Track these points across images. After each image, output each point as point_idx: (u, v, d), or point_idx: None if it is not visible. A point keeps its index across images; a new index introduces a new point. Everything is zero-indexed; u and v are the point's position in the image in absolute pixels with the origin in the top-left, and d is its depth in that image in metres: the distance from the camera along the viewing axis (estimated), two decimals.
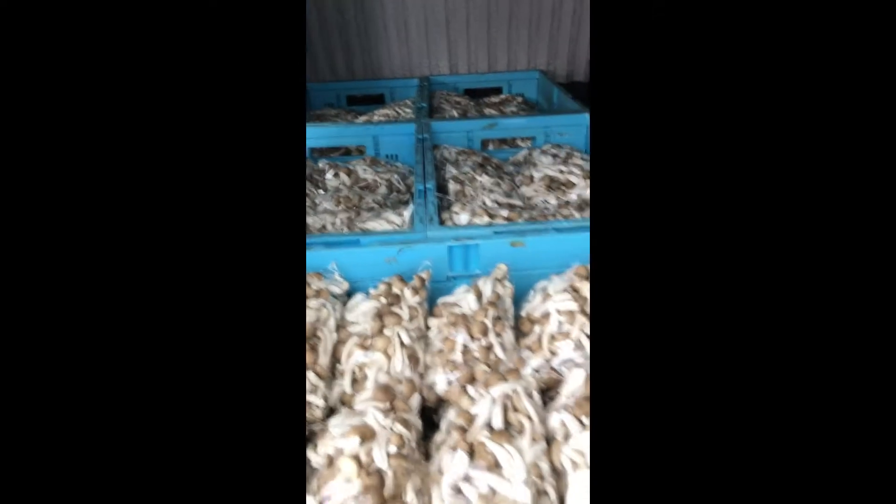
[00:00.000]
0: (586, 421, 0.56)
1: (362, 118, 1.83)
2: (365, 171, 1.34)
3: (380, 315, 0.72)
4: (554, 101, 1.85)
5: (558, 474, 0.54)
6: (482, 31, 2.19)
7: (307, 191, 1.30)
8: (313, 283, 0.77)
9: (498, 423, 0.56)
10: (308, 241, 0.85)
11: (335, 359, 0.71)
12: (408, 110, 1.83)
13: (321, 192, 1.30)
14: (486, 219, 0.95)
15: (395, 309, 0.74)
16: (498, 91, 2.19)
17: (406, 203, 1.31)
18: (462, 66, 2.27)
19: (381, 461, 0.52)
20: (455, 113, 1.81)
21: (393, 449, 0.53)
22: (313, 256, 0.82)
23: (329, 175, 1.36)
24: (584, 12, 2.18)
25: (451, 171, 1.25)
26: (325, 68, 2.24)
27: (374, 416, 0.57)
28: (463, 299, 0.75)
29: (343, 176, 1.34)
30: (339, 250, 0.82)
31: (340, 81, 2.24)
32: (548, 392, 0.67)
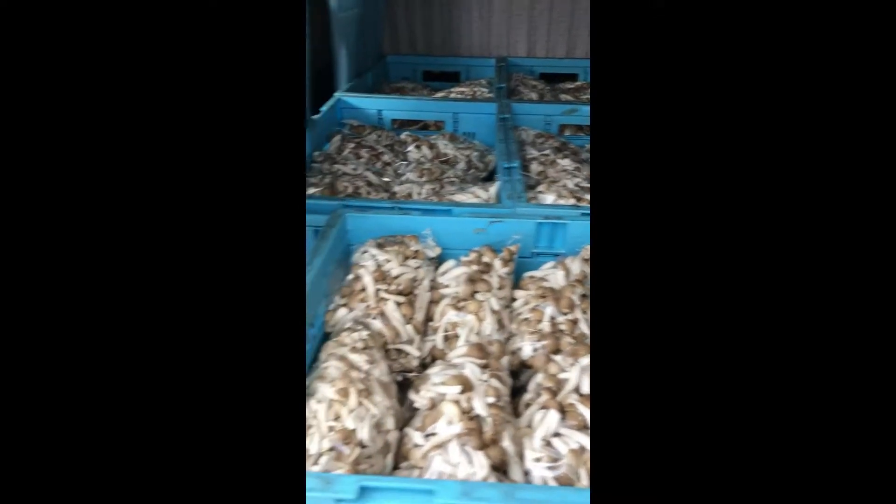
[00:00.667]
0: None
1: (439, 94, 1.86)
2: (446, 146, 1.38)
3: (472, 280, 0.77)
4: None
5: None
6: (564, 16, 2.17)
7: (389, 160, 1.36)
8: (412, 245, 0.82)
9: (586, 388, 0.60)
10: (406, 206, 0.91)
11: (428, 316, 0.77)
12: (483, 90, 1.86)
13: (403, 163, 1.36)
14: (571, 201, 0.98)
15: (486, 277, 0.78)
16: (573, 77, 2.18)
17: (483, 180, 1.35)
18: (540, 50, 2.26)
19: (480, 409, 0.57)
20: (533, 96, 1.82)
21: (490, 399, 0.58)
22: (410, 221, 0.87)
23: (411, 147, 1.41)
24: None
25: (531, 151, 1.28)
26: (405, 42, 2.28)
27: (472, 370, 0.62)
28: (551, 274, 0.79)
29: (425, 149, 1.39)
30: (433, 217, 0.87)
31: (418, 55, 2.28)
32: None
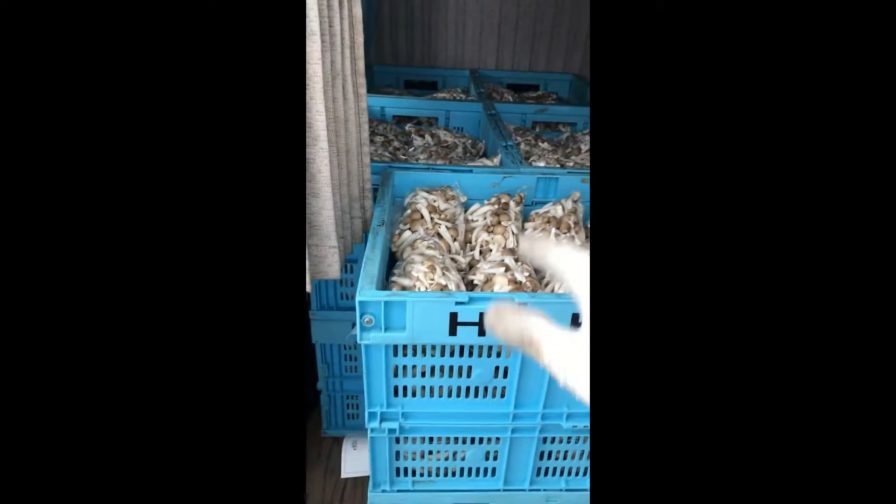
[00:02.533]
0: None
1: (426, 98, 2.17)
2: (445, 135, 1.68)
3: (496, 214, 1.07)
4: (587, 98, 2.20)
5: None
6: (528, 36, 2.55)
7: (398, 145, 1.64)
8: (448, 191, 1.11)
9: None
10: (438, 167, 1.19)
11: (465, 240, 1.05)
12: (461, 95, 2.18)
13: (410, 148, 1.64)
14: (558, 166, 1.30)
15: (506, 212, 1.08)
16: (535, 88, 2.55)
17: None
18: (507, 63, 2.62)
19: (521, 277, 0.86)
20: (510, 98, 2.15)
21: (526, 273, 0.88)
22: (442, 177, 1.16)
23: (415, 136, 1.70)
24: None
25: (517, 138, 1.60)
26: (389, 54, 2.58)
27: (509, 259, 0.91)
28: (552, 209, 1.09)
29: (428, 138, 1.68)
30: (459, 174, 1.16)
31: (401, 66, 2.58)
32: None
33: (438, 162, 1.45)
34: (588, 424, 0.83)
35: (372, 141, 1.61)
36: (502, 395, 0.81)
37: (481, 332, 0.72)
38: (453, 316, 0.70)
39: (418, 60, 2.62)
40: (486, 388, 0.80)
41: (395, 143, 1.65)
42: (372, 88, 2.34)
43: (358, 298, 0.69)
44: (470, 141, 1.71)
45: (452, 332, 0.71)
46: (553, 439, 0.86)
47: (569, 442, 0.87)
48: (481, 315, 0.71)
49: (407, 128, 1.75)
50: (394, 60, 2.61)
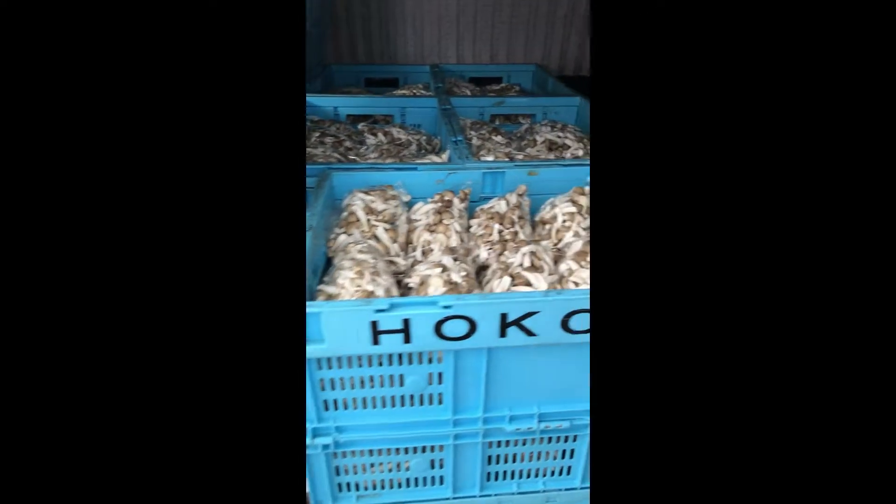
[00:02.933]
0: (583, 263, 0.87)
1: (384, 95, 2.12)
2: (399, 133, 1.64)
3: (438, 212, 1.03)
4: (549, 88, 2.17)
5: None
6: (487, 28, 2.51)
7: (351, 145, 1.59)
8: (389, 191, 1.07)
9: (527, 263, 0.87)
10: (381, 166, 1.15)
11: (407, 241, 1.02)
12: (422, 91, 2.14)
13: (363, 147, 1.60)
14: (507, 160, 1.27)
15: (449, 209, 1.04)
16: (498, 80, 2.51)
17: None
18: (468, 57, 2.58)
19: (457, 278, 0.83)
20: (467, 92, 2.11)
21: (462, 273, 0.84)
22: (384, 176, 1.12)
23: (368, 135, 1.66)
24: (574, 17, 2.52)
25: (471, 132, 1.56)
26: (347, 52, 2.53)
27: (447, 259, 0.88)
28: (496, 204, 1.06)
29: (381, 136, 1.64)
30: (403, 172, 1.12)
31: (360, 64, 2.53)
32: (559, 261, 0.98)
33: (388, 161, 1.41)
34: (532, 426, 0.80)
35: (322, 142, 1.57)
36: (440, 402, 0.78)
37: (407, 339, 0.69)
38: (374, 324, 0.67)
39: (378, 58, 2.58)
40: (421, 396, 0.77)
41: (347, 143, 1.61)
42: (330, 88, 2.29)
43: None
44: (425, 137, 1.67)
45: (375, 341, 0.68)
46: (499, 443, 0.83)
47: (515, 445, 0.84)
48: (405, 322, 0.67)
49: (360, 127, 1.71)
50: (352, 59, 2.56)
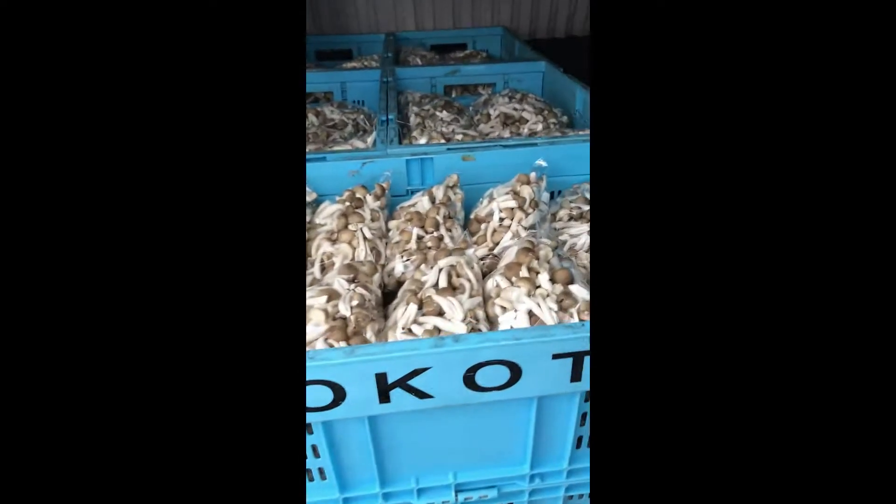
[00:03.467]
0: (514, 280, 0.68)
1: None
2: (332, 112, 1.42)
3: (344, 215, 0.83)
4: (516, 54, 1.94)
5: (491, 322, 0.66)
6: None
7: None
8: None
9: (443, 283, 0.67)
10: None
11: (306, 252, 0.82)
12: (375, 63, 1.90)
13: None
14: (442, 141, 1.05)
15: (359, 210, 0.84)
16: (463, 47, 2.27)
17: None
18: (427, 22, 2.33)
19: (344, 310, 0.63)
20: (420, 62, 1.88)
21: (354, 303, 0.64)
22: None
23: None
24: None
25: (413, 109, 1.34)
26: None
27: (340, 283, 0.68)
28: (419, 202, 0.86)
29: (311, 117, 1.41)
30: (309, 165, 0.92)
31: (308, 35, 2.28)
32: (488, 275, 0.79)
33: (310, 146, 1.19)
34: (448, 499, 0.62)
35: None
36: (322, 478, 0.59)
37: None
38: None
39: (328, 27, 2.32)
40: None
41: None
42: None
43: None
44: (364, 116, 1.45)
45: None
46: None
47: None
48: None
49: None
50: None
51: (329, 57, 2.21)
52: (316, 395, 0.49)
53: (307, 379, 0.48)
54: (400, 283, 0.78)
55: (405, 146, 0.99)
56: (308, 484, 0.60)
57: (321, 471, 0.59)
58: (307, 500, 0.60)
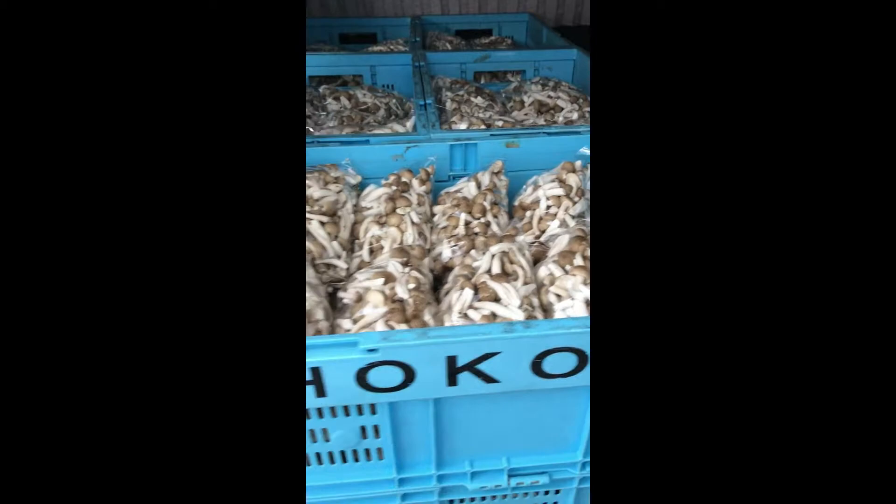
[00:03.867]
0: (568, 268, 0.68)
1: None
2: (364, 96, 1.41)
3: (392, 198, 0.83)
4: (543, 41, 1.92)
5: (545, 310, 0.66)
6: None
7: (310, 113, 1.37)
8: (331, 172, 0.86)
9: (497, 269, 0.67)
10: (324, 139, 0.94)
11: (353, 236, 0.82)
12: (402, 47, 1.88)
13: (323, 114, 1.38)
14: (482, 127, 1.05)
15: (406, 195, 0.84)
16: (488, 33, 2.24)
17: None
18: (453, 7, 2.30)
19: (402, 293, 0.63)
20: (449, 47, 1.87)
21: (411, 286, 0.65)
22: (329, 152, 0.91)
23: (330, 100, 1.43)
24: None
25: (447, 94, 1.33)
26: (316, 4, 2.26)
27: (394, 265, 0.68)
28: (464, 187, 0.85)
29: (344, 100, 1.41)
30: (352, 147, 0.91)
31: (333, 18, 2.26)
32: (536, 263, 0.79)
33: (346, 131, 1.19)
34: (501, 483, 0.63)
35: None
36: (380, 458, 0.60)
37: (321, 392, 0.50)
38: None
39: (353, 10, 2.30)
40: (354, 452, 0.59)
41: (307, 110, 1.39)
42: None
43: None
44: (395, 100, 1.45)
45: None
46: (461, 501, 0.66)
47: (483, 501, 0.67)
48: (315, 372, 0.48)
49: (321, 90, 1.48)
50: (323, 12, 2.29)
51: (353, 40, 2.20)
52: (386, 376, 0.50)
53: (377, 360, 0.49)
54: (446, 268, 0.78)
55: (448, 131, 0.98)
56: (365, 463, 0.60)
57: (379, 451, 0.59)
58: (363, 478, 0.61)
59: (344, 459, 0.60)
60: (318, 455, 0.59)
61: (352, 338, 0.49)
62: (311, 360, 0.48)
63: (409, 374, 0.50)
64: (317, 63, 1.59)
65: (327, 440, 0.57)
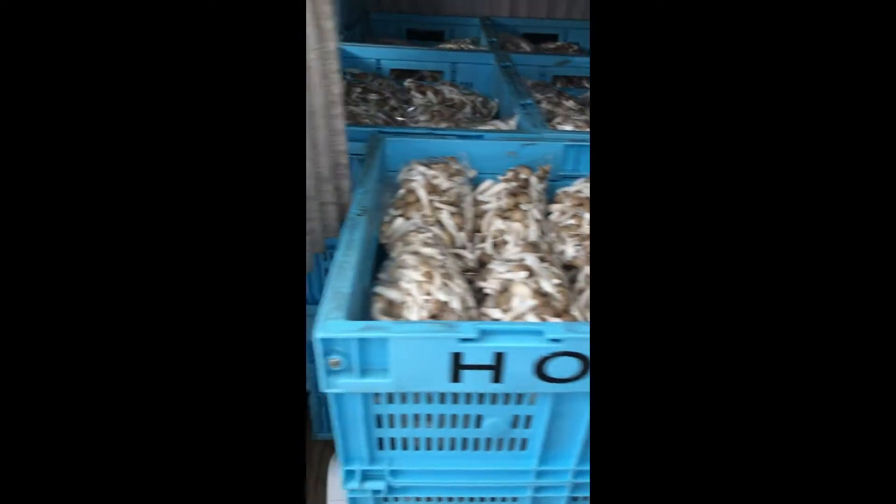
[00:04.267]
0: None
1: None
2: (451, 92, 1.43)
3: (513, 194, 0.83)
4: None
5: None
6: None
7: (396, 104, 1.39)
8: (452, 164, 0.87)
9: None
10: (440, 131, 0.95)
11: (474, 227, 0.83)
12: (470, 47, 1.90)
13: (410, 108, 1.39)
14: (587, 130, 1.05)
15: (525, 191, 0.85)
16: (554, 38, 2.25)
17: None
18: (522, 10, 2.31)
19: (548, 287, 0.64)
20: (526, 48, 1.87)
21: (555, 281, 0.65)
22: (445, 145, 0.92)
23: (415, 93, 1.44)
24: None
25: (536, 95, 1.34)
26: (388, 0, 2.28)
27: (533, 260, 0.69)
28: (584, 188, 0.86)
29: (430, 95, 1.42)
30: (467, 141, 0.92)
31: (403, 13, 2.28)
32: None
33: (441, 125, 1.20)
34: None
35: (364, 99, 1.36)
36: (522, 448, 0.61)
37: (498, 378, 0.51)
38: (457, 357, 0.49)
39: (422, 7, 2.32)
40: (500, 441, 0.60)
41: (392, 102, 1.40)
42: (369, 38, 2.06)
43: (317, 334, 0.48)
44: (480, 99, 1.45)
45: (455, 377, 0.50)
46: (585, 499, 0.66)
47: None
48: (498, 356, 0.49)
49: (406, 83, 1.49)
50: (395, 7, 2.31)
51: (421, 37, 2.22)
52: (562, 367, 0.50)
53: (559, 350, 0.49)
54: (567, 267, 0.79)
55: (560, 131, 0.99)
56: (505, 452, 0.61)
57: (524, 441, 0.60)
58: (499, 467, 0.61)
59: (488, 447, 0.60)
60: (466, 441, 0.60)
61: (535, 326, 0.50)
62: (495, 345, 0.49)
63: (586, 366, 0.50)
64: (400, 56, 1.61)
65: (478, 427, 0.58)
